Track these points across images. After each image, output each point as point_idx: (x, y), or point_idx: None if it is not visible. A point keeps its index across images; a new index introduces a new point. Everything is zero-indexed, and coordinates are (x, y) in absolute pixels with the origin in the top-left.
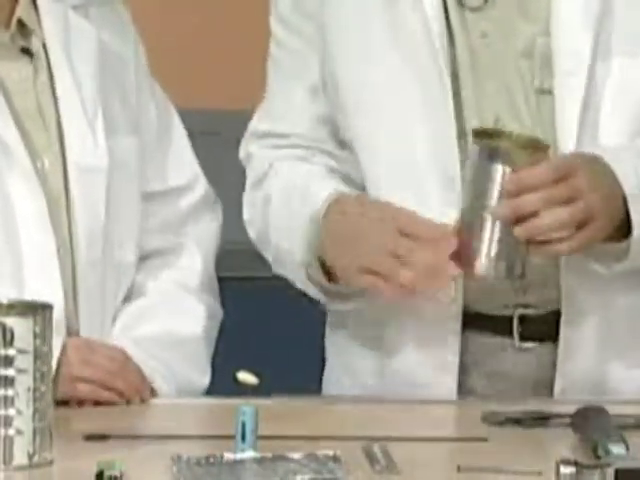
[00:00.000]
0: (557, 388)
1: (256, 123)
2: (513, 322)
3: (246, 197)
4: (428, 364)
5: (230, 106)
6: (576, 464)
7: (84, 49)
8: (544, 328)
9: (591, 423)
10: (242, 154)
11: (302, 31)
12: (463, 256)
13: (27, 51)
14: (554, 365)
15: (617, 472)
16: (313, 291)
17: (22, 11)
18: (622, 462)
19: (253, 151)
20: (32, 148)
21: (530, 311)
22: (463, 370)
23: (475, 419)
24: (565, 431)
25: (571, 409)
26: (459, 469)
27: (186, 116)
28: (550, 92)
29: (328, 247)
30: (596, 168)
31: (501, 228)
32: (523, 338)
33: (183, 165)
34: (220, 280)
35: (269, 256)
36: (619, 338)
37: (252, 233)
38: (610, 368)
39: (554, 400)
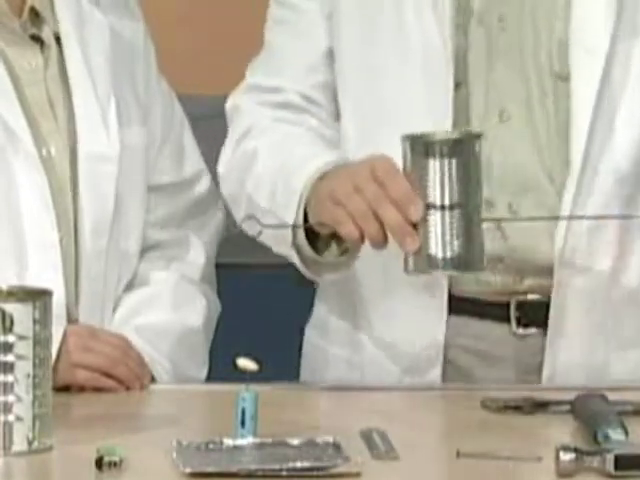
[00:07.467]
0: (545, 374)
1: (248, 76)
2: (510, 309)
3: (226, 150)
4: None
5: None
6: (576, 450)
7: (97, 39)
8: (540, 315)
9: (591, 409)
10: (229, 106)
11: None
12: (420, 252)
13: (37, 39)
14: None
15: (617, 458)
16: (291, 255)
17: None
18: (622, 448)
19: (240, 104)
20: (39, 136)
21: (527, 298)
22: (456, 354)
23: (474, 405)
24: (565, 417)
25: (571, 395)
26: (458, 455)
27: (189, 101)
28: (567, 78)
29: (313, 204)
30: None
31: (456, 221)
32: (520, 324)
33: (188, 159)
34: (221, 266)
35: (241, 212)
36: (609, 324)
37: (226, 188)
38: (599, 354)
39: (553, 386)
